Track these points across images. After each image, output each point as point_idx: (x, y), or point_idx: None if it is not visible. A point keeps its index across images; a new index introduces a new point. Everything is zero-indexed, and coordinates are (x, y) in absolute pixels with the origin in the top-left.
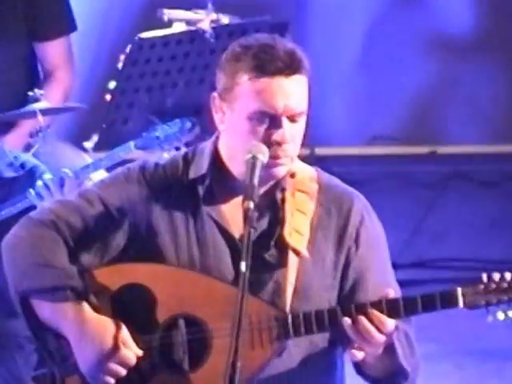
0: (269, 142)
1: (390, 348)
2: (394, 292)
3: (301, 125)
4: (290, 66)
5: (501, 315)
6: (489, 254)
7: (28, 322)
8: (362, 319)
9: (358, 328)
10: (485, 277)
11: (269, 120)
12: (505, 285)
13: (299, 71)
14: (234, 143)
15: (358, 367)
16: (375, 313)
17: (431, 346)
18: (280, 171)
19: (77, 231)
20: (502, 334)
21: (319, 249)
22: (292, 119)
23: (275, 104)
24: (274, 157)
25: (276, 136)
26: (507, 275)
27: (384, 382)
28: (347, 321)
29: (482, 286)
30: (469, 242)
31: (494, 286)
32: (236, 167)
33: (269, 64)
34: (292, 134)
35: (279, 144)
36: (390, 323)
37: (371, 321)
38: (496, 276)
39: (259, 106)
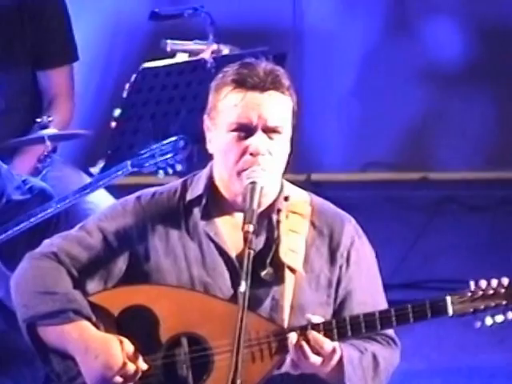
0: (245, 154)
1: (339, 369)
2: (320, 318)
3: (281, 142)
4: (265, 82)
5: (489, 320)
6: (479, 276)
7: (35, 348)
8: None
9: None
10: (472, 284)
11: (245, 132)
12: (491, 291)
13: (275, 88)
14: (219, 160)
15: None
16: (313, 334)
17: (420, 364)
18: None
19: (78, 260)
20: (489, 351)
21: (313, 267)
22: (268, 132)
23: (249, 115)
24: (247, 168)
25: (251, 147)
26: (493, 282)
27: None
28: (293, 336)
29: (469, 294)
30: (459, 264)
31: (481, 292)
32: (224, 187)
33: (247, 79)
34: (269, 148)
35: (253, 155)
36: (327, 345)
37: (308, 341)
38: (483, 283)
39: (236, 118)
